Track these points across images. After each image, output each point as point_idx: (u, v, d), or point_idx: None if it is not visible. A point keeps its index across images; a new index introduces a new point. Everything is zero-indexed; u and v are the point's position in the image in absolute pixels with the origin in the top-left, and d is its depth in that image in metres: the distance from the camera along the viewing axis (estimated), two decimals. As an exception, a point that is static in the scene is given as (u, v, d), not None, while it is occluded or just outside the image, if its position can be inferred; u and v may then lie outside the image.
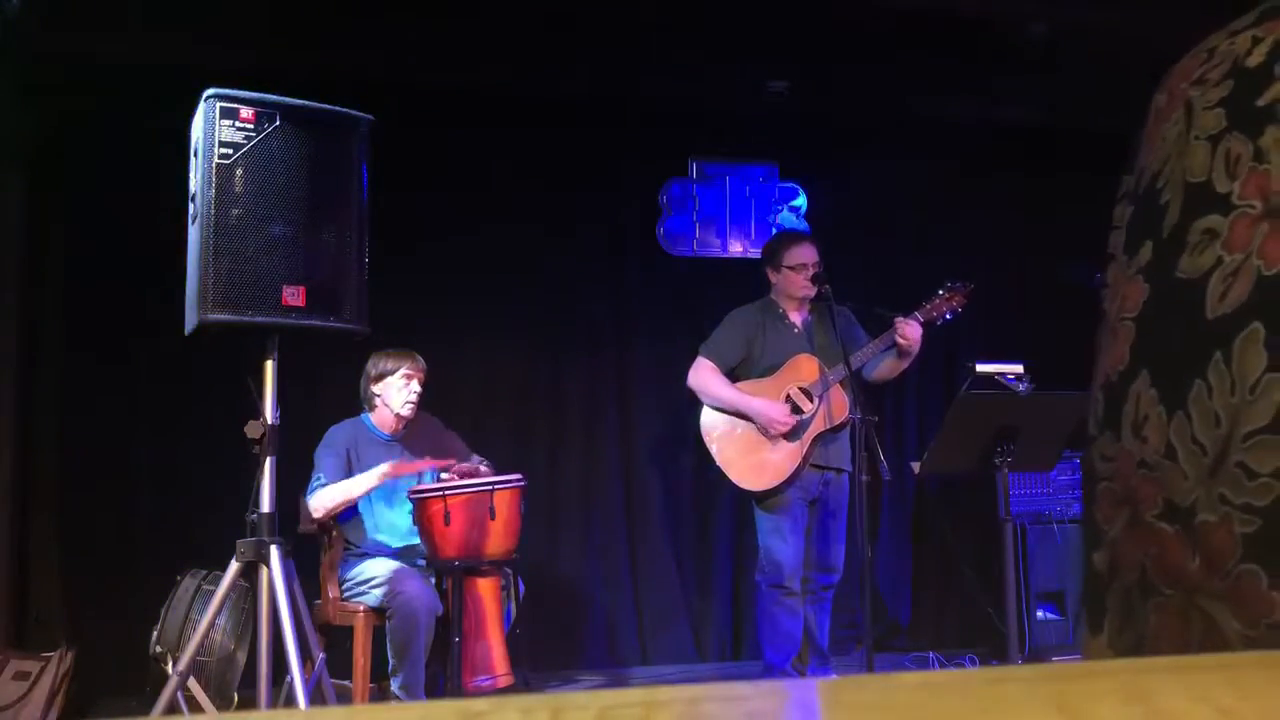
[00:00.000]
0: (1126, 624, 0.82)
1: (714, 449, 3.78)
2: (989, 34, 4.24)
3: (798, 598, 3.72)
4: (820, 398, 3.71)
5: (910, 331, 3.66)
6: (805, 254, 3.84)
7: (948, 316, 3.75)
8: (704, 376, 3.83)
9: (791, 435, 3.70)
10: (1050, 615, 4.48)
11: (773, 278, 3.93)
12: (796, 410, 3.70)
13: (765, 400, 3.72)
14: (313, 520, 3.52)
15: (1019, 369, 4.35)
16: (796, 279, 3.82)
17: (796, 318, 3.90)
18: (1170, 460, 0.78)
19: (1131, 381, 0.83)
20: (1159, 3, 3.96)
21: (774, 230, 4.94)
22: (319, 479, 3.53)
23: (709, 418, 3.82)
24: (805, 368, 3.77)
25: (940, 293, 3.76)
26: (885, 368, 3.84)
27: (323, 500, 3.48)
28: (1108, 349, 0.88)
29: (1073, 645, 4.34)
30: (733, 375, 3.84)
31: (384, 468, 3.49)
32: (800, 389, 3.72)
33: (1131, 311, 0.85)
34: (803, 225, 5.09)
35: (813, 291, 3.78)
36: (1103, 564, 0.85)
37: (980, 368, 4.35)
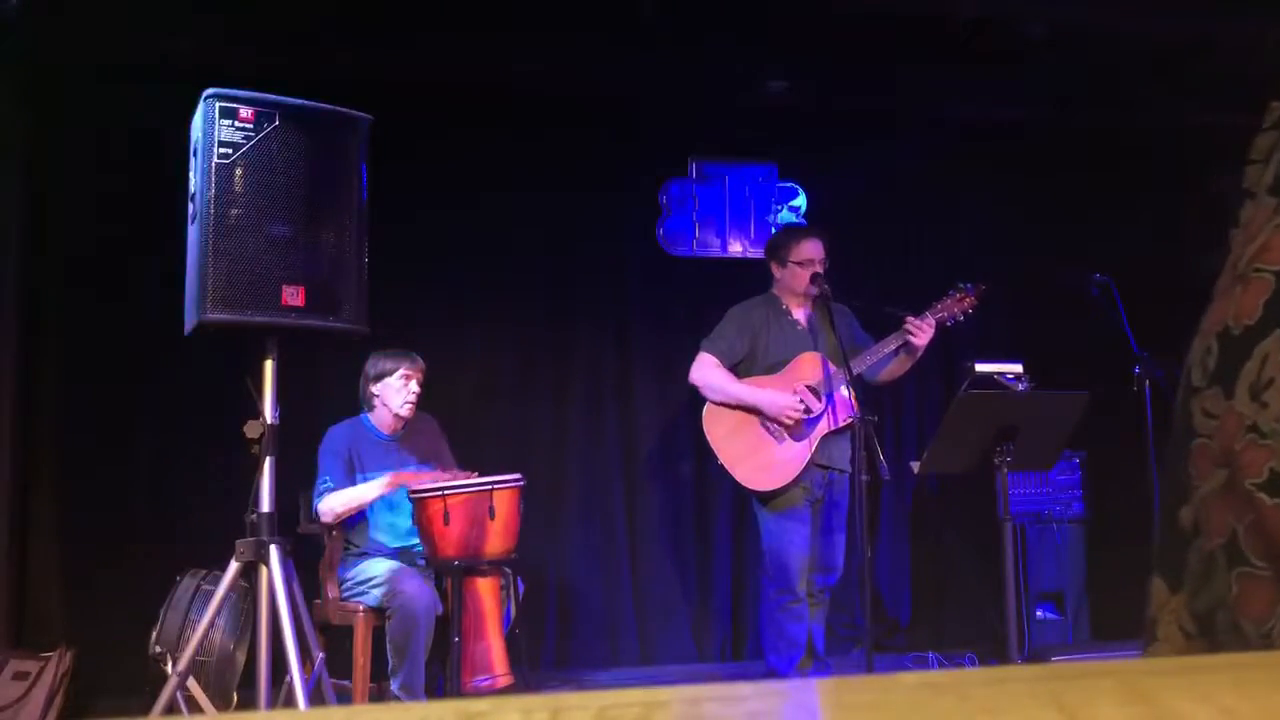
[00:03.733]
0: (1204, 586, 0.77)
1: (718, 447, 3.70)
2: (989, 34, 4.24)
3: (804, 603, 3.70)
4: (828, 396, 3.69)
5: (926, 332, 3.64)
6: (814, 249, 3.80)
7: (959, 318, 3.73)
8: (708, 372, 3.76)
9: (799, 434, 3.67)
10: (1050, 615, 4.48)
11: (777, 272, 3.88)
12: (806, 408, 3.67)
13: (776, 392, 3.68)
14: (322, 523, 3.53)
15: (1019, 369, 4.35)
16: (803, 275, 3.78)
17: (800, 314, 3.86)
18: None
19: (1260, 339, 0.75)
20: (1157, 3, 3.97)
21: (774, 230, 4.90)
22: (325, 483, 3.53)
23: (713, 415, 3.74)
24: (811, 366, 3.74)
25: (952, 293, 3.73)
26: (893, 367, 3.82)
27: (333, 505, 3.49)
28: (1231, 296, 0.79)
29: (1073, 645, 4.34)
30: (735, 372, 3.78)
31: (389, 477, 3.50)
32: (808, 387, 3.69)
33: (1274, 264, 0.76)
34: (802, 225, 5.08)
35: (816, 289, 3.77)
36: (1188, 521, 0.79)
37: (980, 367, 4.35)
